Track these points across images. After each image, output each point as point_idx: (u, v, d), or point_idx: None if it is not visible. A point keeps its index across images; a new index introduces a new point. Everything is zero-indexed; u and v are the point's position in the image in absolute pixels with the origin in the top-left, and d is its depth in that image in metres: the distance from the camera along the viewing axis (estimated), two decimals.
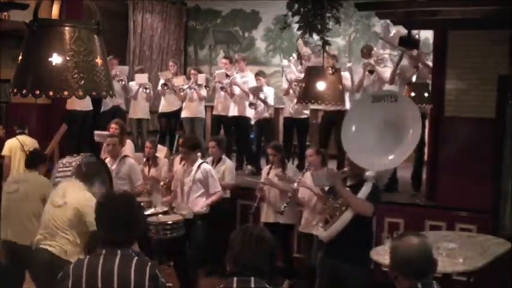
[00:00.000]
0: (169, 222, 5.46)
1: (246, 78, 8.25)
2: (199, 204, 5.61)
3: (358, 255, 4.31)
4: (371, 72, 7.17)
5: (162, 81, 8.92)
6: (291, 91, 7.77)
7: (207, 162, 5.87)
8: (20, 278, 4.69)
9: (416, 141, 4.40)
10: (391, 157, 4.36)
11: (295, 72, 7.96)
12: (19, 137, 7.24)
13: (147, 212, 5.69)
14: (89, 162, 4.72)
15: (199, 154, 5.89)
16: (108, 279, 2.38)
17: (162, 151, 6.96)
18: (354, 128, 4.51)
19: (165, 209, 5.83)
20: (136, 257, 2.45)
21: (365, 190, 4.28)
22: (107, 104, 8.70)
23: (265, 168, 6.26)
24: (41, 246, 4.13)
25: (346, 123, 4.55)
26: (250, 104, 8.08)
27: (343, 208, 4.28)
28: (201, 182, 5.62)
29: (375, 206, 4.26)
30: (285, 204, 5.67)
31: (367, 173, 4.49)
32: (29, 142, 7.27)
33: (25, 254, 4.51)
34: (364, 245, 4.42)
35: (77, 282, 2.41)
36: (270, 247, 2.39)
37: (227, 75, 8.34)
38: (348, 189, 4.34)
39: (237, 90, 8.24)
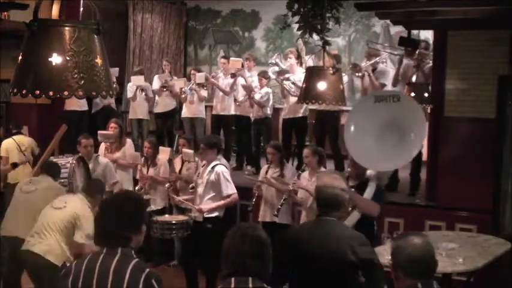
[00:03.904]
0: (173, 222, 5.51)
1: (252, 78, 8.27)
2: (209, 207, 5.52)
3: None
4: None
5: (159, 84, 8.91)
6: (285, 91, 7.77)
7: (223, 164, 5.68)
8: (18, 271, 4.76)
9: (420, 143, 4.40)
10: (394, 158, 4.37)
11: (282, 66, 7.97)
12: (15, 137, 7.20)
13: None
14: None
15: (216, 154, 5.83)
16: (104, 277, 2.38)
17: (165, 152, 6.95)
18: (356, 128, 4.54)
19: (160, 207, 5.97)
20: (136, 260, 2.43)
21: (370, 191, 4.32)
22: (97, 104, 8.72)
23: (264, 167, 6.26)
24: (28, 248, 4.33)
25: (348, 123, 4.57)
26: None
27: (349, 209, 4.27)
28: (213, 184, 5.47)
29: (380, 206, 4.28)
30: (279, 207, 5.62)
31: (368, 173, 4.50)
32: (26, 142, 7.25)
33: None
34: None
35: (75, 280, 2.42)
36: (256, 245, 2.32)
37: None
38: (353, 190, 4.33)
39: (241, 89, 8.26)
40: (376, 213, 4.27)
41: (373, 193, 4.31)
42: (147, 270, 2.41)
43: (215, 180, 5.46)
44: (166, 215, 5.78)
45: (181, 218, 5.65)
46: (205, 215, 5.47)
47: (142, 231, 2.54)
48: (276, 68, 8.06)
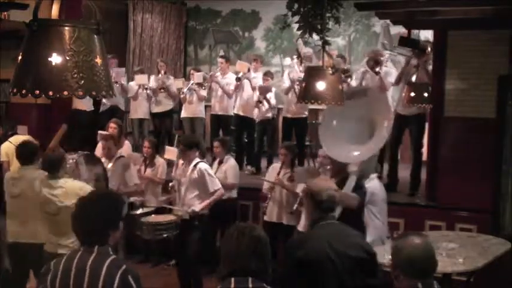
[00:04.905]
0: (163, 223, 5.47)
1: (256, 79, 8.29)
2: (195, 204, 5.52)
3: None
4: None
5: (155, 85, 8.91)
6: (292, 90, 7.78)
7: (205, 162, 5.77)
8: (23, 278, 4.73)
9: (386, 133, 4.54)
10: (358, 151, 4.52)
11: (297, 71, 7.99)
12: (11, 139, 7.14)
13: (138, 212, 5.73)
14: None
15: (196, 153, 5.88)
16: (80, 275, 2.40)
17: (172, 152, 6.94)
18: (329, 125, 4.74)
19: (152, 208, 5.90)
20: (112, 257, 2.46)
21: (349, 184, 4.39)
22: (105, 104, 8.74)
23: (273, 168, 6.21)
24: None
25: (323, 121, 4.79)
26: (258, 102, 8.11)
27: None
28: (196, 182, 5.50)
29: (361, 198, 4.36)
30: (296, 205, 5.46)
31: (350, 169, 4.56)
32: (23, 140, 7.23)
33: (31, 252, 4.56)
34: None
35: (54, 277, 2.45)
36: (254, 244, 2.29)
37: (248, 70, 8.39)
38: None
39: (246, 90, 8.26)
40: (355, 204, 4.32)
41: (353, 186, 4.39)
42: (124, 266, 2.43)
43: (198, 178, 5.49)
44: (153, 215, 5.69)
45: (170, 217, 5.60)
46: (191, 213, 5.50)
47: (119, 228, 2.56)
48: (295, 75, 8.03)
